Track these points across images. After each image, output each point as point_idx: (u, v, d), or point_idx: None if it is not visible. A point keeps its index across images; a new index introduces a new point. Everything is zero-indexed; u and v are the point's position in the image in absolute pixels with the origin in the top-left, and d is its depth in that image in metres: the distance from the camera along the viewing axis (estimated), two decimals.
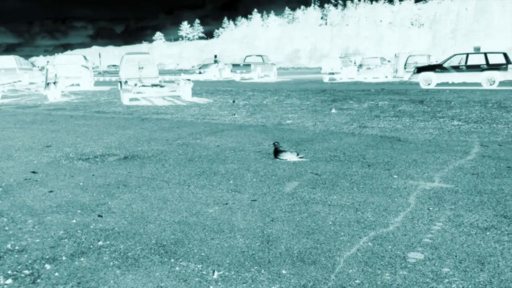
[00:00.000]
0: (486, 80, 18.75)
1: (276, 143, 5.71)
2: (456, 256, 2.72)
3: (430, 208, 3.61)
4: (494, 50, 27.86)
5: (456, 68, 19.26)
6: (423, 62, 26.32)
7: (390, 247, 2.88)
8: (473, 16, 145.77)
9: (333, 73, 27.46)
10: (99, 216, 3.58)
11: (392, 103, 12.47)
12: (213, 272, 2.57)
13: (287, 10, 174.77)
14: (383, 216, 3.45)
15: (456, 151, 5.93)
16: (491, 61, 18.74)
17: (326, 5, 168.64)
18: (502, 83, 19.69)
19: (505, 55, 18.93)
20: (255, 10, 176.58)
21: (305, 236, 3.10)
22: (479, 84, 19.24)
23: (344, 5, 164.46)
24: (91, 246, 2.99)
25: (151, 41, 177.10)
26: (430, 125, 8.33)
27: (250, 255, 2.80)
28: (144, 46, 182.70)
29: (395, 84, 23.34)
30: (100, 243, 3.04)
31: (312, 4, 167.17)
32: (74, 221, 3.49)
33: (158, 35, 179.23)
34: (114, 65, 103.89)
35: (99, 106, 13.60)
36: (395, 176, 4.66)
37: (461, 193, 4.01)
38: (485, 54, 19.25)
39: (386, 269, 2.57)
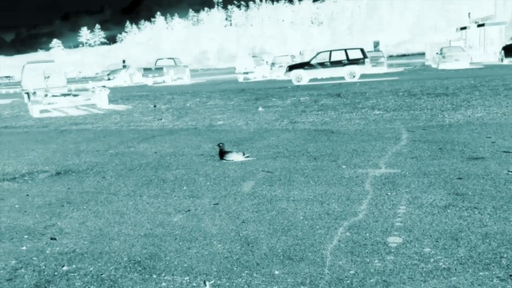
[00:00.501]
0: (348, 73, 20.50)
1: (220, 144, 5.62)
2: (431, 236, 2.86)
3: (388, 193, 3.77)
4: (353, 47, 30.23)
5: (322, 65, 20.79)
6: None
7: (367, 234, 2.94)
8: (366, 14, 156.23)
9: (247, 73, 27.74)
10: (52, 239, 3.25)
11: (313, 98, 12.90)
12: (204, 282, 2.44)
13: (191, 12, 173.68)
14: (349, 206, 3.53)
15: (388, 138, 6.27)
16: (350, 57, 20.52)
17: (229, 6, 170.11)
18: (364, 76, 21.34)
19: (362, 50, 20.93)
20: (158, 13, 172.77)
21: (282, 234, 3.07)
22: (343, 78, 20.69)
23: (247, 6, 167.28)
24: (56, 273, 2.69)
25: (48, 48, 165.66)
26: (355, 116, 8.74)
27: (235, 260, 2.70)
28: (40, 54, 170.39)
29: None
30: (65, 268, 2.75)
31: (216, 6, 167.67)
32: (24, 247, 3.12)
33: (56, 42, 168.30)
34: (7, 76, 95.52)
35: (5, 121, 12.42)
36: (344, 167, 4.81)
37: (410, 177, 4.24)
38: (345, 50, 21.28)
39: (373, 256, 2.62)
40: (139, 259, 2.81)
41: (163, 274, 2.58)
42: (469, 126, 6.79)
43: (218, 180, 4.60)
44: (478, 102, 9.47)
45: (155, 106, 13.71)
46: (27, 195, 4.50)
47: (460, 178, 4.06)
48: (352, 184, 4.12)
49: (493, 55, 31.14)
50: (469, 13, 67.57)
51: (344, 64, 20.40)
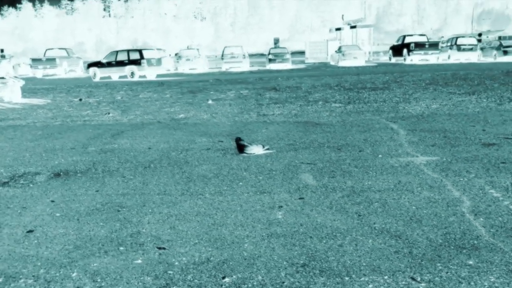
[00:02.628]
0: (130, 73, 21.91)
1: (238, 138, 5.30)
2: None
3: (462, 179, 3.91)
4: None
5: (110, 64, 22.25)
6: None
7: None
8: (247, 11, 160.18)
9: None
10: (159, 248, 2.75)
11: (253, 91, 12.85)
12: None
13: (64, 0, 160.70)
14: (445, 191, 3.59)
15: (380, 128, 6.51)
16: (131, 57, 21.92)
17: None
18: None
19: (140, 52, 22.31)
20: None
21: (416, 222, 3.00)
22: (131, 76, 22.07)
23: None
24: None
25: None
26: (319, 108, 8.92)
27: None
28: None
29: (216, 74, 24.04)
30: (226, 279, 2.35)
31: None
32: (139, 261, 2.60)
33: None
34: None
35: None
36: (380, 156, 4.87)
37: (457, 162, 4.44)
38: (128, 51, 22.63)
39: None
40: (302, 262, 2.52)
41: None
42: (440, 117, 7.36)
43: (266, 174, 4.32)
44: (418, 95, 10.32)
45: (80, 99, 12.42)
46: (52, 201, 3.76)
47: (504, 162, 4.38)
48: (413, 172, 4.19)
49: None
50: (343, 15, 73.19)
51: (126, 64, 21.89)
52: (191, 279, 2.38)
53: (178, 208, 3.48)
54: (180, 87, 15.22)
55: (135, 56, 21.95)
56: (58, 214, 3.44)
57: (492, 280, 2.23)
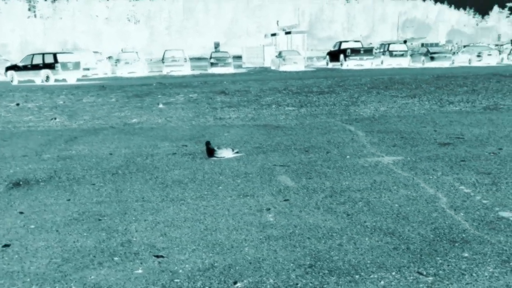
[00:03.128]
0: (45, 77, 21.94)
1: (207, 142, 5.22)
2: None
3: (431, 177, 4.13)
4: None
5: (26, 67, 22.19)
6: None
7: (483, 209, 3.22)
8: (183, 14, 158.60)
9: (88, 69, 25.49)
10: (157, 256, 2.65)
11: (202, 95, 12.73)
12: None
13: None
14: (421, 189, 3.76)
15: (338, 130, 6.71)
16: (46, 61, 21.94)
17: None
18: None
19: (55, 55, 22.35)
20: None
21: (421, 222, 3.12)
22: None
23: None
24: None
25: None
26: (275, 111, 9.02)
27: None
28: None
29: (157, 78, 23.53)
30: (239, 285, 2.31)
31: None
32: (139, 271, 2.49)
33: None
34: None
35: None
36: (348, 157, 5.02)
37: (421, 162, 4.69)
38: (43, 54, 22.59)
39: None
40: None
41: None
42: (391, 118, 7.71)
43: (243, 177, 4.30)
44: (364, 98, 10.75)
45: (18, 104, 11.65)
46: (21, 212, 3.50)
47: (463, 160, 4.68)
48: (384, 171, 4.36)
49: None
50: (278, 21, 74.81)
51: (41, 68, 21.64)
52: (201, 287, 2.31)
53: (163, 215, 3.37)
54: (124, 91, 14.74)
55: (49, 60, 21.62)
56: (32, 226, 3.21)
57: (490, 270, 2.37)
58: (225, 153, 5.17)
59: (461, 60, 30.30)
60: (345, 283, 2.29)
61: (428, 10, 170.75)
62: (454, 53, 34.10)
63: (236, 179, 4.28)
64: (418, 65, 29.29)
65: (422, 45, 52.07)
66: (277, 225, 3.10)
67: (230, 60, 27.37)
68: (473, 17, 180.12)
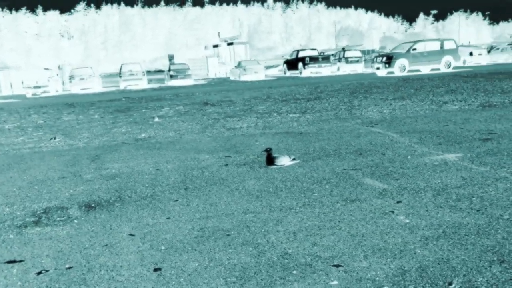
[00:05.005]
0: None
1: (268, 149, 5.09)
2: None
3: (496, 170, 4.28)
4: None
5: None
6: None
7: None
8: (119, 29, 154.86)
9: (39, 87, 24.14)
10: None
11: (189, 107, 12.45)
12: None
13: None
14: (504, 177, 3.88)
15: (374, 133, 6.81)
16: None
17: None
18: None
19: None
20: None
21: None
22: None
23: None
24: None
25: None
26: (282, 119, 8.98)
27: None
28: None
29: (116, 93, 22.73)
30: None
31: None
32: None
33: None
34: None
35: None
36: (409, 157, 5.09)
37: (467, 160, 4.85)
38: None
39: None
40: None
41: None
42: (405, 119, 7.92)
43: (327, 183, 4.23)
44: (357, 102, 10.99)
45: None
46: (131, 234, 3.21)
47: (486, 139, 4.90)
48: (461, 168, 4.45)
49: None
50: (219, 33, 75.28)
51: None
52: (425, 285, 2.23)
53: (293, 223, 3.22)
54: (98, 107, 14.10)
55: None
56: (163, 248, 2.95)
57: None
58: (284, 161, 5.07)
59: None
60: None
61: (360, 19, 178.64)
62: None
63: (320, 184, 4.20)
64: (369, 70, 30.46)
65: (364, 52, 54.12)
66: (417, 226, 3.06)
67: (189, 72, 27.01)
68: (402, 24, 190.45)
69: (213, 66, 42.55)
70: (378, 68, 23.87)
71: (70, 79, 25.61)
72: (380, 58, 24.11)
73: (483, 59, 31.95)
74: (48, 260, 2.89)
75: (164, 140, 7.38)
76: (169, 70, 27.15)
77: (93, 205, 4.01)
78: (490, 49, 36.66)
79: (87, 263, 2.79)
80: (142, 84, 26.56)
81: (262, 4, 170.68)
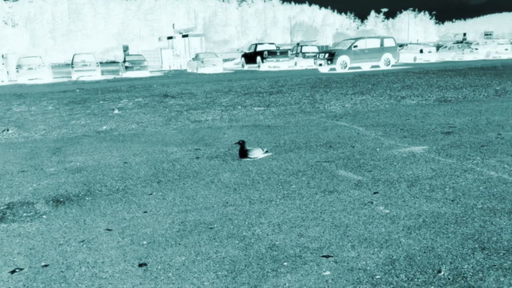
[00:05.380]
0: None
1: (241, 142, 5.03)
2: None
3: (444, 159, 4.46)
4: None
5: None
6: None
7: None
8: (68, 17, 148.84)
9: None
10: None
11: (149, 99, 12.14)
12: None
13: None
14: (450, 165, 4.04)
15: (324, 128, 6.91)
16: None
17: None
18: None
19: None
20: None
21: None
22: None
23: None
24: None
25: None
26: (247, 112, 8.94)
27: None
28: None
29: (69, 84, 21.82)
30: None
31: None
32: None
33: None
34: None
35: None
36: (378, 149, 5.20)
37: (434, 152, 5.03)
38: None
39: None
40: None
41: None
42: (367, 113, 8.10)
43: (303, 175, 4.24)
44: (318, 96, 11.13)
45: None
46: (108, 229, 3.07)
47: (483, 146, 5.12)
48: (429, 160, 4.60)
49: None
50: (173, 24, 74.15)
51: None
52: (406, 277, 2.27)
53: (276, 215, 3.20)
54: (50, 99, 13.48)
55: None
56: (145, 242, 2.85)
57: None
58: (257, 153, 5.04)
59: None
60: None
61: (314, 15, 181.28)
62: None
63: (296, 176, 4.21)
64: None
65: (319, 48, 54.98)
66: (398, 216, 3.13)
67: (146, 64, 26.35)
68: (354, 21, 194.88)
69: (168, 58, 41.84)
70: (320, 65, 23.88)
71: (17, 68, 24.27)
72: (323, 54, 24.06)
73: (432, 57, 33.26)
74: (20, 258, 2.71)
75: (128, 133, 7.15)
76: (124, 61, 26.39)
77: (61, 199, 3.82)
78: (438, 47, 38.24)
79: (64, 260, 2.65)
80: (95, 75, 25.66)
81: None
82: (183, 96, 12.64)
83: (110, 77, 26.19)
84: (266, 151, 5.17)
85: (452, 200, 3.39)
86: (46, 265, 2.60)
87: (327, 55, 23.60)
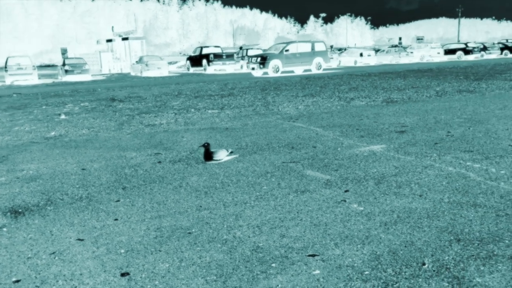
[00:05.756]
0: None
1: (206, 144, 4.96)
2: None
3: (406, 149, 4.67)
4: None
5: None
6: None
7: None
8: None
9: None
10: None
11: (96, 103, 11.68)
12: None
13: None
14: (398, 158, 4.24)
15: (298, 128, 7.00)
16: None
17: None
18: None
19: None
20: None
21: None
22: None
23: None
24: None
25: None
26: (201, 115, 8.85)
27: None
28: None
29: (2, 89, 20.56)
30: None
31: None
32: None
33: None
34: None
35: None
36: (339, 149, 5.31)
37: (407, 146, 5.24)
38: None
39: None
40: None
41: None
42: (321, 115, 8.27)
43: (272, 175, 4.25)
44: (271, 99, 11.23)
45: None
46: (80, 239, 2.91)
47: (437, 143, 5.38)
48: (390, 158, 4.76)
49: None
50: (113, 27, 72.22)
51: None
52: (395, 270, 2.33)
53: (253, 217, 3.18)
54: None
55: None
56: (122, 251, 2.72)
57: None
58: (222, 155, 4.99)
59: None
60: None
61: (256, 19, 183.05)
62: None
63: (266, 178, 4.21)
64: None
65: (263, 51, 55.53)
66: (372, 213, 3.21)
67: (87, 67, 25.34)
68: (294, 26, 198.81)
69: (107, 61, 40.68)
70: (253, 69, 23.70)
71: None
72: (255, 58, 23.88)
73: (371, 60, 34.63)
74: None
75: (79, 138, 6.84)
76: (64, 64, 25.22)
77: (20, 210, 3.57)
78: (376, 51, 39.88)
79: (37, 275, 2.47)
80: (32, 79, 24.35)
81: None
82: (131, 99, 12.29)
83: (49, 81, 24.96)
84: (231, 152, 5.13)
85: (420, 196, 3.53)
86: (17, 281, 2.41)
87: (259, 59, 23.49)
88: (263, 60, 23.21)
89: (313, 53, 24.77)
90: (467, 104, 8.73)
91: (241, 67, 29.49)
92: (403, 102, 9.59)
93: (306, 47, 24.71)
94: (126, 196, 3.84)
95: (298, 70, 25.04)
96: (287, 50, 23.88)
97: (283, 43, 25.68)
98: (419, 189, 3.68)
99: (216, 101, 11.11)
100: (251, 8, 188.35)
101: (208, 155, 4.91)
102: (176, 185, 4.10)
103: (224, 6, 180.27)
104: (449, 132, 6.00)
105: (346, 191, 3.73)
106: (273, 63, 23.27)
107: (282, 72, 24.14)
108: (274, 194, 3.72)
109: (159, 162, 5.07)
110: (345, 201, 3.48)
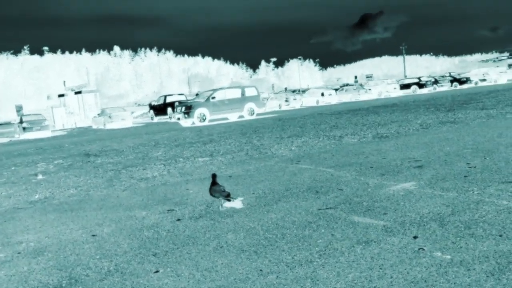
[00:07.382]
0: None
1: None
2: None
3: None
4: None
5: None
6: None
7: None
8: None
9: None
10: None
11: (70, 160, 10.88)
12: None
13: None
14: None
15: (290, 172, 6.64)
16: None
17: None
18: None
19: None
20: None
21: None
22: None
23: None
24: None
25: None
26: (192, 164, 8.35)
27: None
28: None
29: None
30: None
31: None
32: None
33: None
34: None
35: None
36: (369, 190, 4.98)
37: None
38: None
39: None
40: None
41: None
42: (322, 154, 7.98)
43: (323, 231, 3.82)
44: (257, 141, 10.89)
45: None
46: None
47: (444, 179, 5.16)
48: (424, 195, 4.46)
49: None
50: (64, 81, 71.25)
51: None
52: None
53: (356, 272, 2.72)
54: None
55: None
56: None
57: None
58: (237, 204, 4.57)
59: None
60: None
61: (208, 66, 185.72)
62: None
63: (312, 229, 3.76)
64: None
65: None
66: (465, 261, 2.84)
67: (47, 123, 24.23)
68: (246, 71, 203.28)
69: (60, 116, 39.58)
70: (179, 119, 22.75)
71: None
72: (180, 108, 22.89)
73: (333, 99, 35.39)
74: None
75: (70, 200, 6.15)
76: (21, 122, 24.02)
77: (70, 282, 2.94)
78: (336, 90, 40.93)
79: None
80: None
81: (109, 52, 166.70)
82: (107, 153, 11.60)
83: (5, 140, 23.60)
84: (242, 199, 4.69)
85: (500, 236, 3.20)
86: None
87: (183, 108, 22.43)
88: (188, 109, 22.08)
89: (243, 99, 23.64)
90: (461, 135, 8.72)
91: None
92: (395, 137, 9.50)
93: (235, 93, 23.66)
94: (163, 264, 3.29)
95: (231, 117, 23.94)
96: (213, 98, 22.81)
97: (211, 90, 24.56)
98: (493, 228, 3.36)
99: (201, 148, 10.64)
100: (203, 56, 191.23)
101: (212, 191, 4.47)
102: (215, 246, 3.59)
103: (176, 55, 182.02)
104: (468, 164, 5.82)
105: (414, 237, 3.35)
106: (199, 111, 22.09)
107: (210, 121, 22.94)
108: (337, 248, 3.28)
109: (178, 220, 4.53)
110: (423, 249, 3.09)
